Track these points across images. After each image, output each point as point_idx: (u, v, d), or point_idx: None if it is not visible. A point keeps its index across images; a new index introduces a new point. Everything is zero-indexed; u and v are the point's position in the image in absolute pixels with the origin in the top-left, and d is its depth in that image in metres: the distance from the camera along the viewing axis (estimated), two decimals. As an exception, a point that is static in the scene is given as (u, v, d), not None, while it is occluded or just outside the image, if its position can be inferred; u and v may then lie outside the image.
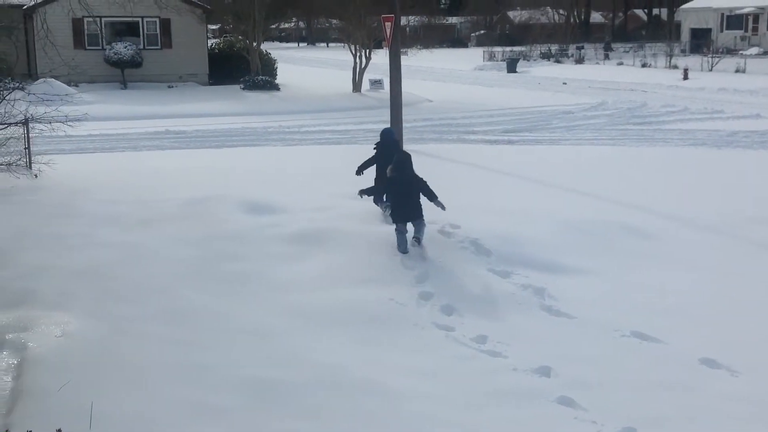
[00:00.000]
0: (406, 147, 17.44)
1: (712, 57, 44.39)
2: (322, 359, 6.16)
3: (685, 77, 38.69)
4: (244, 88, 30.86)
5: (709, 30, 57.63)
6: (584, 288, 8.13)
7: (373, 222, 9.78)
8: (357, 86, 32.14)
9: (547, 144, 19.28)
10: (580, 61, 55.41)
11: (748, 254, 9.47)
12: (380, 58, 27.56)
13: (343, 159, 16.38)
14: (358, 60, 32.10)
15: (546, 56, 60.25)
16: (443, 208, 9.19)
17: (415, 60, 46.66)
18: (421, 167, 14.29)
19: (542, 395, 5.58)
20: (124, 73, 30.73)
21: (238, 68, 32.38)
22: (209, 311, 7.21)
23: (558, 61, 57.32)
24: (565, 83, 38.92)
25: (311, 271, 8.35)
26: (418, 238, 8.93)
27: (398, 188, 9.11)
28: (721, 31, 56.72)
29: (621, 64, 51.45)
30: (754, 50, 52.60)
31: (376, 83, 32.62)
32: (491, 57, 59.14)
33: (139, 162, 15.65)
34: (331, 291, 7.72)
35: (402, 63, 18.33)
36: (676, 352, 6.40)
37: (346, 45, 34.54)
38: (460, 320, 7.10)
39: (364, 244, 8.99)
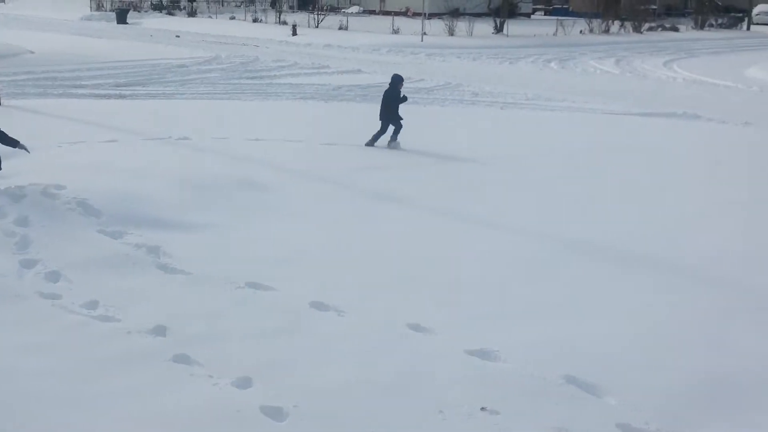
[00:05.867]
0: (6, 102, 16.01)
1: (317, 14, 46.62)
2: None
3: (294, 33, 40.28)
4: None
5: (315, -12, 60.32)
6: (201, 243, 8.12)
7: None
8: (-57, 34, 28.63)
9: (160, 98, 18.90)
10: (192, 14, 54.94)
11: (352, 201, 10.14)
12: (-31, 3, 24.76)
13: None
14: (-58, 5, 28.58)
15: (158, 8, 58.80)
16: (28, 150, 9.34)
17: (12, 8, 42.81)
18: (21, 124, 13.20)
19: (158, 356, 5.48)
20: None
21: None
22: None
23: (170, 13, 56.29)
24: (178, 36, 38.40)
25: None
26: None
27: None
28: (326, -11, 59.63)
29: (233, 18, 51.98)
30: (354, 9, 56.27)
31: (-33, 32, 29.36)
32: (99, 6, 56.30)
33: None
34: None
35: (-6, 10, 16.65)
36: (288, 299, 6.66)
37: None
38: (69, 287, 6.68)
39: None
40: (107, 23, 47.49)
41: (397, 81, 13.81)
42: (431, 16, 44.59)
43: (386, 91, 13.81)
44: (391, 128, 13.57)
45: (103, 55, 27.09)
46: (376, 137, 13.55)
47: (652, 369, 5.63)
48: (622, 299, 7.03)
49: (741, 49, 39.45)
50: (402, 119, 13.58)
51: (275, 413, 4.82)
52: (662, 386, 5.37)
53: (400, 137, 13.50)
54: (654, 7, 56.36)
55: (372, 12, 55.67)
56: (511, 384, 5.32)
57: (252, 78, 23.10)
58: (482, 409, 4.97)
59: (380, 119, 13.65)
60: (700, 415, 5.07)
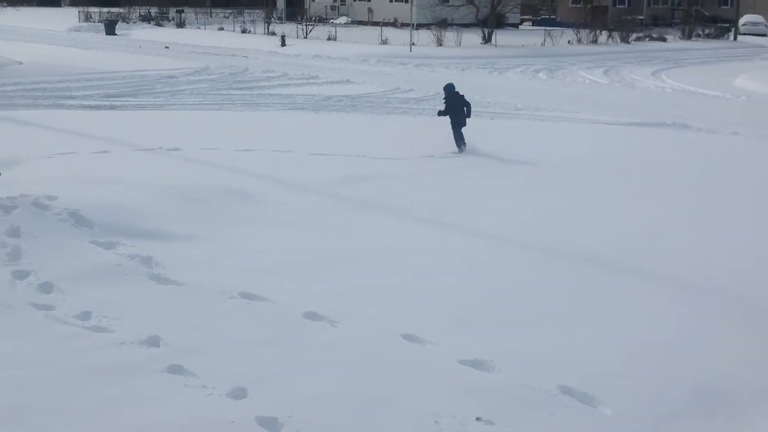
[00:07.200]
0: (-7, 113, 15.95)
1: (306, 25, 46.66)
2: None
3: (283, 44, 40.31)
4: None
5: (303, -1, 60.44)
6: (192, 254, 8.11)
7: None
8: (-70, 45, 28.55)
9: (151, 109, 18.89)
10: (181, 25, 54.90)
11: (343, 211, 10.17)
12: (-43, 14, 24.77)
13: None
14: (-71, 16, 28.52)
15: (146, 19, 58.80)
16: None
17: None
18: (11, 134, 13.19)
19: (151, 366, 5.46)
20: None
21: None
22: None
23: (159, 24, 56.26)
24: (167, 47, 38.38)
25: None
26: None
27: None
28: (313, 0, 59.79)
29: (222, 29, 51.96)
30: (343, 19, 56.35)
31: (-46, 42, 29.31)
32: (88, 18, 56.22)
33: None
34: None
35: (-17, 21, 16.66)
36: (282, 309, 6.65)
37: None
38: (62, 297, 6.66)
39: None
40: (96, 34, 47.38)
41: (453, 87, 14.50)
42: (419, 26, 44.71)
43: (451, 105, 14.33)
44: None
45: (92, 66, 27.04)
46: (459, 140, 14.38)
47: (647, 379, 5.65)
48: (614, 308, 7.06)
49: (728, 59, 39.71)
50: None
51: (270, 423, 4.80)
52: (657, 396, 5.39)
53: None
54: (641, 17, 56.74)
55: (360, 23, 55.78)
56: (505, 394, 5.33)
57: (241, 89, 23.10)
58: (477, 419, 4.98)
59: (455, 127, 14.35)
60: (694, 425, 5.09)
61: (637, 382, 5.58)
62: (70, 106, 18.74)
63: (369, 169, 12.44)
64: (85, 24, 53.18)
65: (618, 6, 60.05)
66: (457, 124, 14.35)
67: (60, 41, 40.11)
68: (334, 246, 8.65)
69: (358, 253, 8.40)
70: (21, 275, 7.03)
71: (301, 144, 14.31)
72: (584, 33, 45.96)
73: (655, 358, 6.00)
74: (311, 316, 6.54)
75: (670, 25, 59.68)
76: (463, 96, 14.44)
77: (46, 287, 6.84)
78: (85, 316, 6.31)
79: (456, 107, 14.36)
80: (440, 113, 14.58)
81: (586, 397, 5.31)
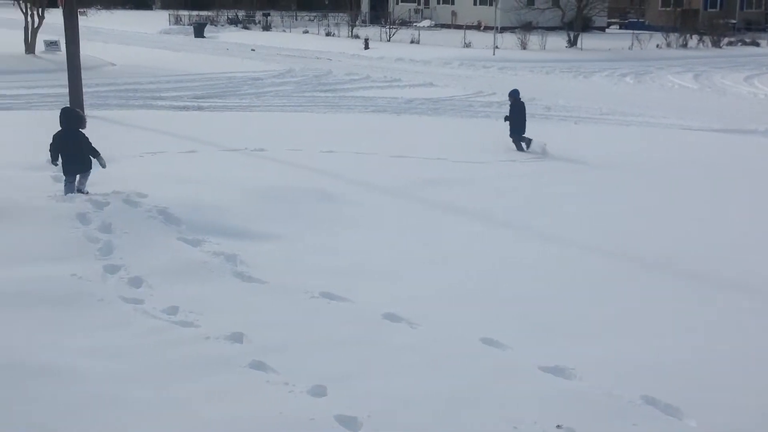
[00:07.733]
0: (89, 113, 16.53)
1: (389, 28, 46.88)
2: (-4, 345, 5.65)
3: (366, 47, 40.55)
4: None
5: (386, 2, 60.73)
6: (275, 253, 8.24)
7: (50, 194, 9.14)
8: (30, 47, 29.78)
9: (237, 110, 19.27)
10: (267, 28, 55.85)
11: (422, 213, 10.18)
12: (56, 17, 25.63)
13: (17, 126, 15.14)
14: (29, 19, 29.71)
15: (233, 22, 60.02)
16: (104, 165, 9.83)
17: (95, 21, 44.26)
18: (104, 134, 13.64)
19: (235, 362, 5.57)
20: None
21: None
22: None
23: (246, 27, 57.35)
24: (253, 50, 39.07)
25: (-19, 249, 7.61)
26: (80, 189, 9.54)
27: (68, 144, 9.46)
28: (397, 3, 60.02)
29: (306, 32, 52.62)
30: (426, 23, 56.40)
31: (52, 44, 30.52)
32: (177, 21, 57.72)
33: None
34: (3, 271, 7.09)
35: (80, 24, 17.27)
36: (362, 310, 6.70)
37: (15, 2, 31.89)
38: (150, 292, 6.86)
39: (41, 218, 8.36)
40: (185, 37, 48.60)
41: (518, 93, 14.80)
42: (503, 29, 44.43)
43: (514, 111, 14.56)
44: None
45: (181, 68, 27.77)
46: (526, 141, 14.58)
47: (731, 391, 5.48)
48: (697, 318, 6.88)
49: (825, 65, 38.14)
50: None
51: (350, 422, 4.84)
52: (741, 409, 5.23)
53: None
54: (733, 21, 55.08)
55: (444, 26, 55.74)
56: (587, 402, 5.24)
57: (325, 91, 23.35)
58: (558, 427, 4.91)
59: (513, 132, 14.65)
60: (784, 440, 4.93)
61: (722, 394, 5.43)
62: (160, 107, 19.27)
63: (450, 172, 12.43)
64: (175, 27, 54.61)
65: (709, 9, 58.44)
66: (516, 130, 14.42)
67: (151, 43, 41.27)
68: (413, 248, 8.68)
69: (437, 256, 8.41)
70: (112, 269, 7.27)
71: (383, 146, 14.39)
72: (674, 37, 44.89)
73: (741, 371, 5.82)
74: (391, 317, 6.57)
75: (764, 29, 57.74)
76: (524, 104, 14.55)
77: (136, 282, 7.06)
78: (172, 310, 6.49)
79: (518, 114, 14.38)
80: (506, 118, 14.75)
81: (671, 409, 5.19)
